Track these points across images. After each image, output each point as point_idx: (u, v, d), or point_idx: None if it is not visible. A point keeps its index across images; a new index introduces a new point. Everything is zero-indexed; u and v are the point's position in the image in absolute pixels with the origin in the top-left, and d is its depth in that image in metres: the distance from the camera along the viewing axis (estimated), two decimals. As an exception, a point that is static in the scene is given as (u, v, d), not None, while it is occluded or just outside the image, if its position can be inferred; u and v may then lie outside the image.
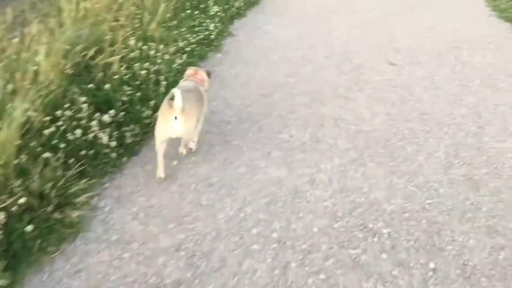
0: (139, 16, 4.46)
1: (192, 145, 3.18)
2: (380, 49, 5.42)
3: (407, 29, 6.16)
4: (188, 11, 5.20)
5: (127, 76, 3.50)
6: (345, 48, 5.36)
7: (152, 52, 3.89)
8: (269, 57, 4.99)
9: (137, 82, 3.51)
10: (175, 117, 2.67)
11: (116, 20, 4.08)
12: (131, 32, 4.03)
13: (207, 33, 5.02)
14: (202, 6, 5.52)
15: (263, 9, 6.52)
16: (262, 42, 5.36)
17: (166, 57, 3.96)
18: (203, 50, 4.71)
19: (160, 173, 2.91)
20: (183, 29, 4.75)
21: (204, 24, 5.15)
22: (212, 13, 5.50)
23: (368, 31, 5.98)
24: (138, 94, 3.41)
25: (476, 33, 6.27)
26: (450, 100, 4.32)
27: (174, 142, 3.06)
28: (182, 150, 3.15)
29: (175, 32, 4.60)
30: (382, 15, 6.65)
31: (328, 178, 3.05)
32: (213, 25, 5.20)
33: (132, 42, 3.84)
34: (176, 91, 2.63)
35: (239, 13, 6.11)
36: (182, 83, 3.13)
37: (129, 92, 3.35)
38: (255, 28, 5.77)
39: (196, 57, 4.56)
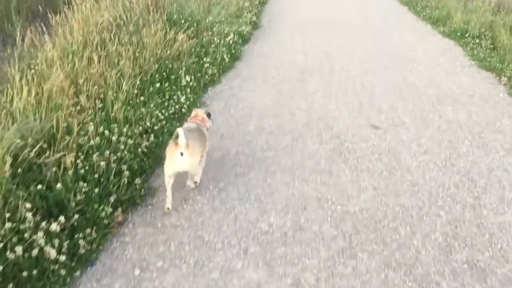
0: (102, 96, 4.16)
1: (197, 179, 3.51)
2: (361, 111, 5.17)
3: (387, 87, 5.96)
4: (158, 85, 4.91)
5: (84, 169, 3.13)
6: (325, 113, 5.09)
7: (114, 138, 3.55)
8: (245, 127, 4.68)
9: (96, 176, 3.14)
10: (181, 153, 3.05)
11: (76, 104, 3.76)
12: (91, 116, 3.70)
13: (178, 106, 4.72)
14: (173, 77, 5.24)
15: (238, 73, 6.29)
16: (237, 111, 5.07)
17: (130, 141, 3.61)
18: (173, 126, 4.39)
19: (168, 204, 3.21)
20: (152, 105, 4.44)
21: (174, 97, 4.85)
22: (183, 83, 5.22)
23: (346, 91, 5.76)
24: (97, 190, 3.03)
25: (458, 86, 6.10)
26: (441, 166, 4.03)
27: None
28: (190, 183, 3.50)
29: (142, 109, 4.28)
30: (359, 73, 6.46)
31: (315, 278, 2.67)
32: (184, 97, 4.90)
33: (91, 127, 3.50)
34: (179, 130, 3.03)
35: (213, 80, 5.86)
36: (185, 124, 3.54)
37: (86, 189, 2.97)
38: (230, 95, 5.50)
39: (166, 135, 4.23)
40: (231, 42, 6.92)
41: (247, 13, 8.99)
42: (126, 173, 3.29)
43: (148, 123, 4.12)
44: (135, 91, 4.51)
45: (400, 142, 4.46)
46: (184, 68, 5.54)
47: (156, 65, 5.23)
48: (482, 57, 7.39)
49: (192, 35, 6.76)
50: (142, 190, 3.38)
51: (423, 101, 5.53)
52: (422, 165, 4.03)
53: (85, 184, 3.01)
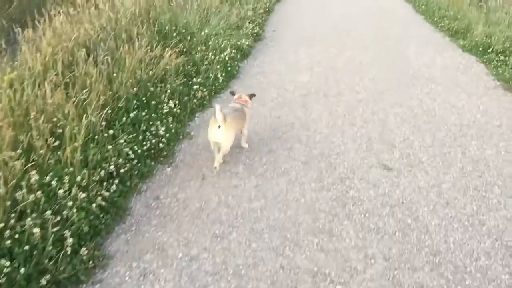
0: (58, 132, 3.48)
1: (220, 157, 3.84)
2: (370, 146, 4.43)
3: (401, 114, 5.21)
4: (134, 113, 4.22)
5: (12, 240, 2.45)
6: (328, 147, 4.37)
7: (62, 191, 2.86)
8: (233, 167, 3.99)
9: (27, 247, 2.45)
10: (219, 126, 3.59)
11: (15, 147, 3.09)
12: (37, 161, 3.02)
13: (155, 140, 4.02)
14: (154, 102, 4.55)
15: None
16: (226, 144, 4.35)
17: (82, 195, 2.92)
18: (146, 166, 3.70)
19: (215, 163, 3.79)
20: (122, 141, 3.75)
21: (152, 128, 4.16)
22: (166, 110, 4.53)
23: (354, 120, 5.02)
24: (23, 269, 2.34)
25: (483, 113, 5.34)
26: (467, 225, 3.29)
27: None
28: (216, 164, 3.83)
29: (109, 146, 3.59)
30: (369, 96, 5.73)
31: None
32: (164, 128, 4.21)
33: (34, 177, 2.81)
34: (216, 106, 3.56)
35: (203, 104, 5.16)
36: (231, 104, 4.10)
37: (8, 269, 2.29)
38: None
39: (136, 178, 3.55)
40: (227, 58, 6.22)
41: (249, 23, 8.29)
42: (70, 240, 2.59)
43: (113, 166, 3.42)
44: (103, 123, 3.81)
45: (417, 189, 3.72)
46: (168, 91, 4.84)
47: (135, 88, 4.54)
48: (508, 77, 6.60)
49: (183, 50, 6.09)
50: (91, 262, 2.68)
51: (443, 133, 4.78)
52: (444, 224, 3.29)
53: (9, 262, 2.31)
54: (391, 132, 4.75)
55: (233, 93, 4.35)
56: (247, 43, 7.25)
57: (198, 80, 5.40)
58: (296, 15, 10.68)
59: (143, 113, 4.29)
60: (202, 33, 6.68)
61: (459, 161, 4.21)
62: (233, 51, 6.60)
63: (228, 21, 7.73)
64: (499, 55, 7.53)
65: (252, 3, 9.88)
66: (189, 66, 5.70)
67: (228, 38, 6.97)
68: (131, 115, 4.12)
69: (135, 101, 4.40)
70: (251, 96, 4.33)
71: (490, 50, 7.78)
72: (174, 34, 6.26)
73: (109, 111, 4.01)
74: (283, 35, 8.66)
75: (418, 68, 6.95)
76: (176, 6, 7.51)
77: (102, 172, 3.30)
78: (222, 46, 6.54)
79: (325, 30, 9.20)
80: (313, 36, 8.67)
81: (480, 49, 7.97)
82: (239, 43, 7.03)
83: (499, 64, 7.20)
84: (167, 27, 6.42)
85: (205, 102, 5.20)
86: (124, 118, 4.05)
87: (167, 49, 5.36)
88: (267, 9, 10.43)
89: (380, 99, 5.67)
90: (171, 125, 4.36)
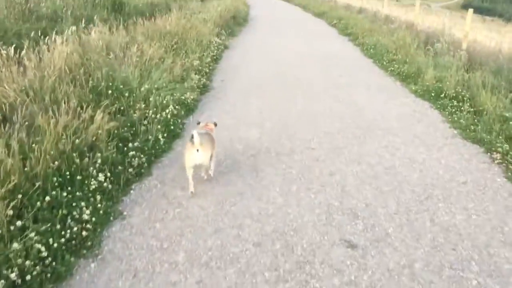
0: None
1: (211, 172, 4.42)
2: (331, 217, 3.94)
3: (361, 174, 4.78)
4: (53, 194, 3.54)
5: None
6: (282, 222, 3.83)
7: None
8: (172, 257, 3.35)
9: None
10: (197, 150, 3.93)
11: None
12: None
13: (77, 228, 3.35)
14: (79, 177, 3.89)
15: (175, 159, 5.00)
16: (164, 225, 3.75)
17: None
18: (64, 264, 3.02)
19: (191, 189, 4.12)
20: (33, 234, 3.06)
21: (75, 212, 3.49)
22: (94, 186, 3.88)
23: (310, 185, 4.54)
24: None
25: (445, 169, 5.00)
26: (449, 320, 2.77)
27: None
28: (204, 175, 4.40)
29: (15, 244, 2.89)
30: (326, 153, 5.30)
31: None
32: (90, 210, 3.55)
33: None
34: (194, 132, 3.91)
35: (140, 173, 4.54)
36: (198, 131, 4.07)
37: None
38: (159, 198, 4.18)
39: (49, 283, 2.85)
40: (169, 116, 5.66)
41: (195, 74, 7.82)
42: None
43: (16, 272, 2.72)
44: (10, 212, 3.12)
45: (387, 272, 3.22)
46: (99, 161, 4.20)
47: (56, 163, 3.87)
48: (464, 125, 6.39)
49: (120, 109, 5.50)
50: None
51: (407, 195, 4.36)
52: (422, 320, 2.77)
53: None
54: (351, 198, 4.28)
55: (198, 123, 4.72)
56: (192, 96, 6.74)
57: (135, 144, 4.78)
58: (245, 63, 10.35)
59: (65, 193, 3.61)
60: (142, 89, 6.11)
61: (429, 230, 3.78)
62: (177, 107, 6.06)
63: (172, 73, 7.21)
64: (452, 100, 7.40)
65: (199, 52, 9.47)
66: (125, 128, 5.08)
67: (171, 93, 6.43)
68: (47, 198, 3.43)
69: (55, 178, 3.72)
70: (215, 124, 4.76)
71: (442, 95, 7.64)
72: (110, 91, 5.67)
73: (21, 195, 3.32)
74: (231, 85, 8.22)
75: (373, 118, 6.63)
76: (115, 58, 6.96)
77: (1, 283, 2.59)
78: (165, 102, 5.98)
79: (274, 78, 8.85)
80: (263, 85, 8.29)
81: (433, 94, 7.84)
82: (183, 97, 6.51)
83: (453, 110, 7.03)
84: (103, 83, 5.82)
85: (143, 170, 4.58)
86: (39, 203, 3.36)
87: (98, 111, 4.72)
88: (214, 57, 10.03)
89: (337, 156, 5.24)
90: (99, 205, 3.70)
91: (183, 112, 6.21)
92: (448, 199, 4.33)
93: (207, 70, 8.62)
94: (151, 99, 5.93)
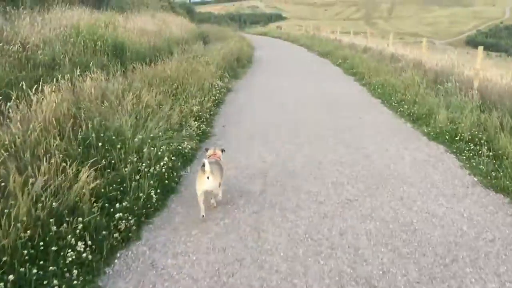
0: None
1: (220, 197, 4.79)
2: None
3: (375, 233, 4.27)
4: (21, 271, 3.06)
5: None
6: (289, 298, 3.29)
7: None
8: None
9: None
10: (208, 177, 4.26)
11: None
12: None
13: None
14: (55, 248, 3.41)
15: (169, 219, 4.53)
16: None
17: None
18: None
19: (202, 212, 4.41)
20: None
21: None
22: (72, 257, 3.39)
23: (319, 246, 4.03)
24: None
25: (469, 224, 4.50)
26: None
27: None
28: (213, 202, 4.70)
29: None
30: (336, 208, 4.80)
31: None
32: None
33: None
34: (205, 161, 4.28)
35: (128, 238, 4.05)
36: (207, 159, 4.41)
37: None
38: (147, 268, 3.68)
39: None
40: (164, 169, 5.22)
41: (195, 121, 7.43)
42: None
43: None
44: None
45: None
46: (80, 227, 3.73)
47: (29, 232, 3.40)
48: (484, 171, 5.89)
49: (111, 163, 5.07)
50: None
51: (429, 259, 3.84)
52: None
53: None
54: (366, 263, 3.76)
55: (206, 149, 5.12)
56: (191, 145, 6.32)
57: (124, 204, 4.32)
58: (248, 106, 9.98)
59: (35, 269, 3.13)
60: (136, 139, 5.70)
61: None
62: (173, 158, 5.63)
63: (169, 121, 6.83)
64: (469, 143, 6.91)
65: (200, 96, 9.14)
66: (114, 185, 4.63)
67: (168, 142, 6.02)
68: (11, 277, 2.95)
69: (26, 251, 3.25)
70: (222, 150, 5.10)
71: (457, 138, 7.17)
72: (100, 143, 5.26)
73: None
74: (233, 131, 7.82)
75: (385, 165, 6.15)
76: (109, 106, 6.61)
77: None
78: (160, 153, 5.55)
79: (279, 122, 8.45)
80: (267, 130, 7.87)
81: (447, 137, 7.37)
82: (180, 147, 6.09)
83: (471, 154, 6.54)
84: (93, 134, 5.43)
85: (130, 234, 4.09)
86: (2, 284, 2.87)
87: (83, 168, 4.29)
88: (216, 101, 9.70)
89: (348, 211, 4.74)
90: (75, 281, 3.20)
91: (179, 164, 5.76)
92: (476, 263, 3.79)
93: (208, 116, 8.24)
94: (145, 150, 5.51)
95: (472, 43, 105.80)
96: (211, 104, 9.00)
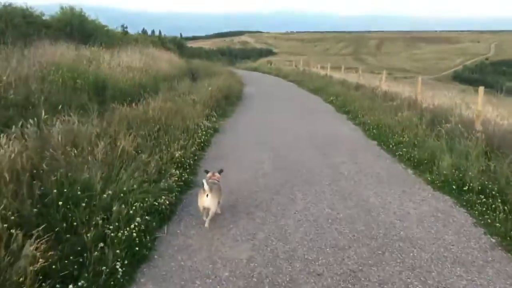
0: None
1: (218, 211, 5.36)
2: None
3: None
4: None
5: None
6: None
7: None
8: None
9: None
10: (207, 195, 4.90)
11: None
12: None
13: None
14: None
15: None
16: None
17: None
18: None
19: (206, 224, 5.07)
20: None
21: None
22: None
23: None
24: None
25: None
26: None
27: None
28: (206, 224, 5.09)
29: None
30: (337, 282, 4.02)
31: None
32: None
33: None
34: (204, 181, 4.96)
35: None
36: (207, 181, 5.11)
37: None
38: None
39: None
40: (134, 233, 4.44)
41: (176, 169, 6.70)
42: None
43: None
44: None
45: None
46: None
47: None
48: (503, 231, 5.21)
49: (73, 226, 4.29)
50: None
51: None
52: None
53: None
54: None
55: (207, 171, 5.56)
56: (169, 199, 5.56)
57: (80, 284, 3.51)
58: (235, 149, 9.27)
59: None
60: (105, 195, 4.95)
61: None
62: (147, 217, 4.86)
63: (146, 170, 6.09)
64: (479, 195, 6.24)
65: (184, 138, 8.43)
66: (71, 257, 3.83)
67: (143, 198, 5.25)
68: None
69: None
70: (220, 172, 5.63)
71: (466, 189, 6.50)
72: (61, 202, 4.49)
73: None
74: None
75: (389, 222, 5.43)
76: (80, 154, 5.87)
77: None
78: (132, 211, 4.79)
79: (268, 169, 7.73)
80: (255, 178, 7.15)
81: (454, 187, 6.69)
82: (157, 203, 5.32)
83: (483, 209, 5.86)
84: (55, 190, 4.67)
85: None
86: None
87: (29, 240, 3.51)
88: (202, 144, 8.98)
89: (352, 286, 3.96)
90: None
91: (154, 224, 4.99)
92: None
93: (191, 162, 7.50)
94: (114, 208, 4.74)
95: (458, 78, 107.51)
96: (195, 148, 8.28)
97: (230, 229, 5.15)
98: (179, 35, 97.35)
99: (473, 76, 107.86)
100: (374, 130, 11.21)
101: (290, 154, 8.84)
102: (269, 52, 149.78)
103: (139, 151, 6.76)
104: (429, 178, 7.27)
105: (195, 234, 4.99)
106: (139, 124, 8.53)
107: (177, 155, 7.28)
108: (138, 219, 4.72)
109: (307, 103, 18.48)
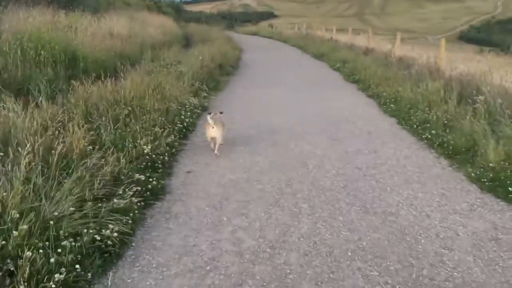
0: None
1: (221, 148, 6.28)
2: None
3: None
4: None
5: None
6: None
7: None
8: None
9: None
10: (212, 127, 6.05)
11: None
12: None
13: None
14: None
15: None
16: None
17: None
18: None
19: (215, 152, 6.21)
20: None
21: None
22: None
23: None
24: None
25: None
26: None
27: None
28: (216, 151, 6.20)
29: None
30: None
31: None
32: None
33: None
34: (208, 117, 6.09)
35: None
36: (212, 115, 6.17)
37: None
38: None
39: None
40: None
41: (142, 172, 5.05)
42: None
43: None
44: None
45: None
46: None
47: None
48: None
49: None
50: None
51: None
52: None
53: None
54: None
55: (209, 113, 6.35)
56: (115, 233, 3.88)
57: None
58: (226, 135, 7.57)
59: None
60: (19, 229, 3.31)
61: None
62: (77, 267, 3.23)
63: (95, 181, 4.42)
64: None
65: (160, 124, 6.75)
66: None
67: (76, 232, 3.61)
68: None
69: None
70: (221, 113, 6.44)
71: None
72: None
73: None
74: (200, 182, 5.42)
75: (435, 253, 3.82)
76: (7, 157, 4.24)
77: None
78: (53, 261, 3.15)
79: (264, 166, 6.07)
80: (249, 179, 5.49)
81: (510, 188, 5.01)
82: (104, 232, 3.69)
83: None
84: None
85: None
86: None
87: None
88: (183, 130, 7.29)
89: None
90: None
91: (89, 274, 3.34)
92: None
93: (166, 158, 5.83)
94: (27, 253, 3.11)
95: (465, 38, 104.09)
96: (174, 136, 6.59)
97: (208, 266, 3.52)
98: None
99: (480, 35, 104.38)
100: (391, 105, 9.46)
101: (290, 141, 7.13)
102: (271, 15, 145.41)
103: (92, 151, 5.07)
104: (472, 174, 5.61)
105: (155, 278, 3.37)
106: (105, 106, 6.82)
107: (146, 150, 5.59)
108: (63, 270, 3.09)
109: (312, 71, 16.64)
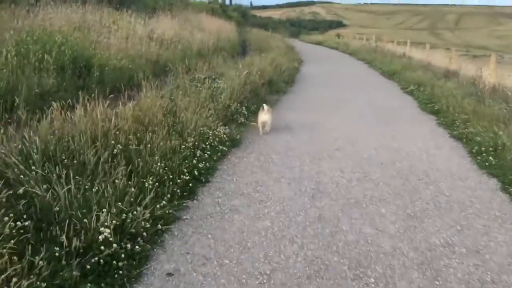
0: None
1: (268, 129, 7.63)
2: None
3: None
4: None
5: None
6: None
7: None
8: None
9: None
10: (265, 113, 7.39)
11: None
12: None
13: None
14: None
15: None
16: None
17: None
18: None
19: (261, 133, 7.54)
20: None
21: None
22: None
23: None
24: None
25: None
26: None
27: None
28: (266, 128, 7.59)
29: None
30: None
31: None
32: None
33: None
34: (264, 105, 7.54)
35: None
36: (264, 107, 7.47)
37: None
38: None
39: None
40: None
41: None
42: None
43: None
44: None
45: None
46: None
47: None
48: None
49: None
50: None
51: None
52: None
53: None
54: None
55: (263, 107, 7.50)
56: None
57: None
58: (253, 200, 5.32)
59: None
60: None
61: None
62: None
63: None
64: None
65: (157, 175, 4.60)
66: None
67: None
68: None
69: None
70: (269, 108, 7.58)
71: None
72: None
73: None
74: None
75: None
76: None
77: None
78: None
79: (316, 244, 3.74)
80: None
81: None
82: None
83: None
84: None
85: None
86: None
87: None
88: (188, 184, 5.10)
89: None
90: None
91: None
92: None
93: (155, 237, 3.64)
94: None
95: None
96: (167, 200, 4.40)
97: None
98: (249, 4, 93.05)
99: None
100: (490, 157, 6.77)
101: (341, 221, 4.73)
102: (339, 24, 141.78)
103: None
104: None
105: None
106: (75, 149, 4.77)
107: (105, 234, 3.43)
108: None
109: (380, 94, 13.98)
